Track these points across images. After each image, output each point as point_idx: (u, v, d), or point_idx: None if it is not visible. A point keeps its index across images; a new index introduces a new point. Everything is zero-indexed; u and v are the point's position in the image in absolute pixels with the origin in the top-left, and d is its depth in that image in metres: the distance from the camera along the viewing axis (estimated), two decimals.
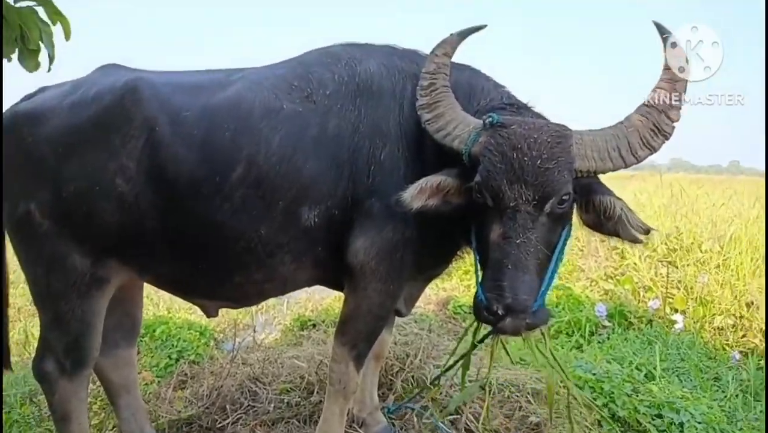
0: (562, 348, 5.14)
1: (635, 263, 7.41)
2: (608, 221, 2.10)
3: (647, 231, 2.09)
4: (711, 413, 3.56)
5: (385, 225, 2.35)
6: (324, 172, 2.35)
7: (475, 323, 2.50)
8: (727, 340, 5.72)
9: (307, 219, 2.36)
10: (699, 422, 3.44)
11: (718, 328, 5.88)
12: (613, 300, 6.51)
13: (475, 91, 2.45)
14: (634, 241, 2.10)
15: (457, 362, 2.84)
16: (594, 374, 3.85)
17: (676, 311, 6.20)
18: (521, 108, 2.38)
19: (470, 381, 3.56)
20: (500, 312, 1.94)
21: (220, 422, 3.22)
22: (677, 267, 7.22)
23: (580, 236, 9.25)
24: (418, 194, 2.14)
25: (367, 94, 2.41)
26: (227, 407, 3.34)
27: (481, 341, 2.54)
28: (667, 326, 5.81)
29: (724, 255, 7.37)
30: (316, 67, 2.50)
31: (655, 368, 4.50)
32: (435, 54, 2.31)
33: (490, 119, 2.07)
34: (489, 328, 2.18)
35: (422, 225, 2.33)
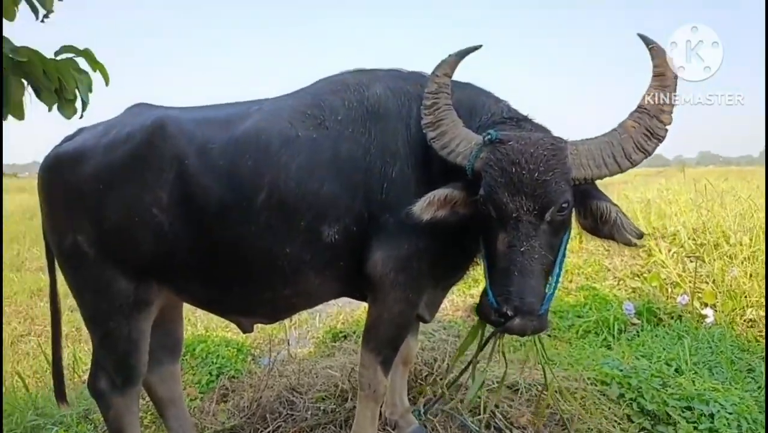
0: (590, 347, 5.19)
1: (662, 260, 7.38)
2: (604, 226, 2.23)
3: (640, 235, 2.21)
4: (742, 403, 3.59)
5: (400, 238, 2.51)
6: (340, 192, 2.52)
7: (480, 326, 2.63)
8: (760, 332, 5.67)
9: (328, 236, 2.53)
10: (730, 413, 3.47)
11: (750, 320, 5.84)
12: (641, 298, 6.50)
13: (477, 107, 2.61)
14: (628, 244, 2.22)
15: (470, 363, 2.95)
16: (621, 370, 3.92)
17: (706, 305, 6.17)
18: (521, 120, 2.52)
19: (497, 382, 3.70)
20: (509, 313, 2.09)
21: (261, 431, 3.39)
22: (705, 261, 7.18)
23: None
24: (427, 207, 2.29)
25: (376, 117, 2.59)
26: (267, 416, 3.51)
27: (488, 340, 2.66)
28: (697, 321, 5.79)
29: (753, 247, 7.30)
30: (327, 95, 2.69)
31: (685, 363, 4.53)
32: (436, 75, 2.47)
33: (489, 136, 2.22)
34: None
35: (435, 236, 2.47)
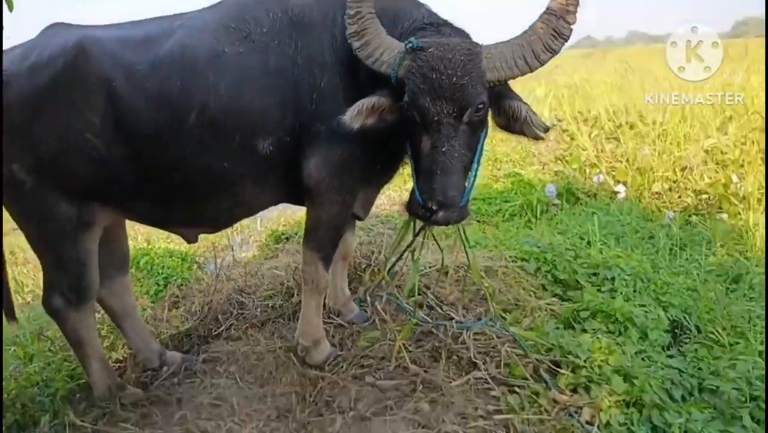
0: (515, 229, 5.67)
1: (583, 143, 7.86)
2: (516, 123, 2.45)
3: (546, 129, 2.45)
4: (640, 266, 4.10)
5: (332, 145, 2.65)
6: (271, 105, 2.60)
7: (411, 221, 2.88)
8: (664, 203, 6.33)
9: (263, 149, 2.63)
10: (628, 275, 3.98)
11: (656, 193, 6.47)
12: (563, 180, 7.01)
13: (399, 14, 2.66)
14: (537, 138, 2.47)
15: (403, 252, 3.26)
16: (539, 247, 4.35)
17: (619, 182, 6.76)
18: (441, 26, 2.61)
19: (430, 267, 4.08)
20: (434, 207, 2.33)
21: (215, 330, 3.66)
22: (620, 142, 7.72)
23: None
24: (356, 115, 2.41)
25: (301, 28, 2.62)
26: (219, 317, 3.77)
27: (419, 232, 2.94)
28: (610, 198, 6.37)
29: (664, 126, 7.86)
30: (250, 7, 2.67)
31: (595, 235, 5.06)
32: None
33: (411, 44, 2.33)
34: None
35: (366, 141, 2.61)
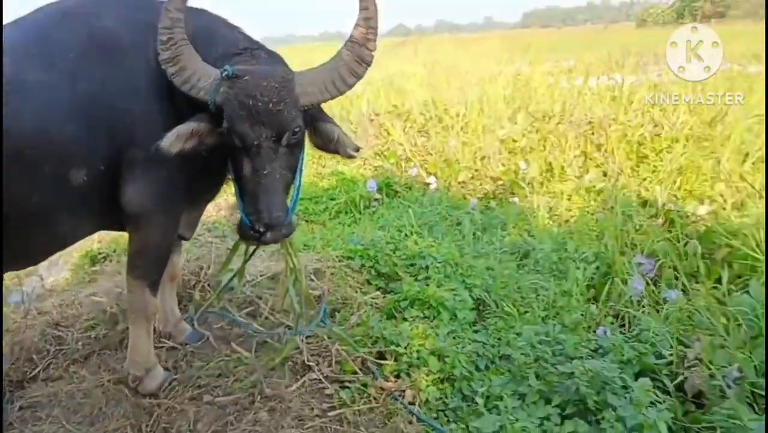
0: (341, 226, 6.00)
1: (398, 139, 8.47)
2: (330, 143, 2.69)
3: (357, 149, 2.74)
4: (449, 252, 4.65)
5: (151, 170, 2.63)
6: (82, 133, 2.48)
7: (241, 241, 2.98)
8: (469, 191, 7.14)
9: (77, 179, 2.51)
10: (440, 262, 4.49)
11: (462, 182, 7.27)
12: (382, 175, 7.52)
13: (212, 38, 2.71)
14: (349, 157, 2.74)
15: (234, 275, 3.35)
16: (362, 245, 4.70)
17: (430, 174, 7.46)
18: (255, 50, 2.72)
19: (262, 276, 4.20)
20: (262, 229, 2.47)
21: (31, 373, 3.37)
22: (430, 135, 8.47)
23: (352, 119, 10.11)
24: (175, 141, 2.42)
25: (110, 53, 2.54)
26: (34, 357, 3.47)
27: (252, 254, 3.07)
28: (423, 189, 7.01)
29: (467, 118, 8.80)
30: (53, 28, 2.53)
31: (411, 226, 5.57)
32: (168, 9, 2.46)
33: (226, 72, 2.42)
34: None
35: (185, 164, 2.62)
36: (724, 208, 5.18)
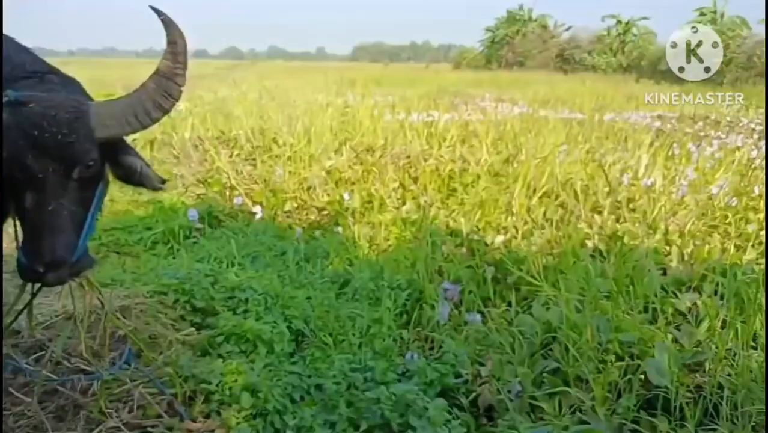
0: (157, 258, 5.65)
1: (223, 166, 8.28)
2: (133, 176, 2.56)
3: (163, 181, 2.65)
4: (271, 284, 4.63)
5: None
6: None
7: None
8: (294, 220, 7.22)
9: None
10: (260, 294, 4.45)
11: (287, 211, 7.33)
12: (205, 203, 7.27)
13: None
14: (156, 189, 2.65)
15: (19, 314, 3.00)
16: (178, 279, 4.47)
17: (256, 203, 7.39)
18: (46, 74, 2.50)
19: (57, 316, 3.78)
20: (41, 270, 2.25)
21: None
22: (257, 164, 8.43)
23: (175, 144, 9.65)
24: None
25: None
26: None
27: (37, 293, 2.77)
28: (248, 219, 6.92)
29: (295, 147, 8.92)
30: None
31: (233, 258, 5.46)
32: None
33: (8, 98, 2.19)
34: None
35: None
36: (516, 238, 5.91)
